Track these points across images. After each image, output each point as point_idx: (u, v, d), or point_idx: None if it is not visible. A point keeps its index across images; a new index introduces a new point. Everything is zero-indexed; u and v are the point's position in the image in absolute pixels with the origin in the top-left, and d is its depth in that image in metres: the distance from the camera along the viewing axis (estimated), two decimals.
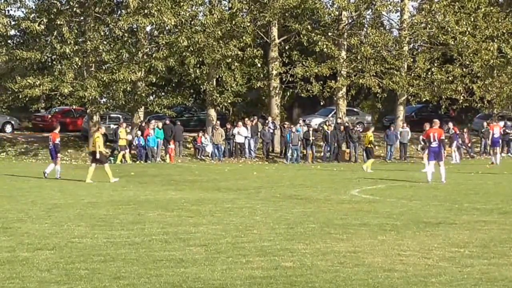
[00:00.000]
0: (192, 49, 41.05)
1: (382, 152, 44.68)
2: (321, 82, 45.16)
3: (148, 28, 42.44)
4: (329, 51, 44.16)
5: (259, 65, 45.87)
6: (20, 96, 39.85)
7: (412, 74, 46.02)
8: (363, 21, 47.91)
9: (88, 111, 42.57)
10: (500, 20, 46.00)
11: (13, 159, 40.30)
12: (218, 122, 43.16)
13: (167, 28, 41.44)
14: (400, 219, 15.31)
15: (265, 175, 30.46)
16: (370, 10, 46.67)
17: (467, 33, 44.99)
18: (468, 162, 40.95)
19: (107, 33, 42.23)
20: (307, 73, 44.10)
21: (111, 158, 37.87)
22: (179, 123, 43.56)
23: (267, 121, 43.96)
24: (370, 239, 12.51)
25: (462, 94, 46.41)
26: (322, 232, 13.29)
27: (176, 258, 10.64)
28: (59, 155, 28.39)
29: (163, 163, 39.51)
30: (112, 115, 46.72)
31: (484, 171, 32.45)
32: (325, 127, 43.76)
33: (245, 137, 42.55)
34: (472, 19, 45.25)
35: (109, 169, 26.31)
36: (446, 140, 31.93)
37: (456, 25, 44.64)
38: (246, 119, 44.50)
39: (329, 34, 45.46)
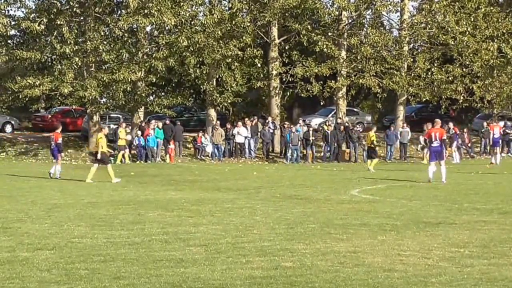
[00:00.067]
0: (192, 49, 41.05)
1: (382, 152, 44.66)
2: (321, 82, 45.16)
3: (148, 28, 42.44)
4: (329, 51, 44.17)
5: (259, 65, 45.87)
6: (20, 96, 39.85)
7: (412, 74, 46.02)
8: (363, 21, 47.92)
9: (88, 111, 42.58)
10: (500, 20, 46.01)
11: (13, 159, 40.30)
12: (218, 122, 43.15)
13: (167, 28, 41.44)
14: (400, 219, 15.31)
15: (265, 175, 30.46)
16: (370, 10, 46.68)
17: (467, 33, 44.99)
18: (468, 162, 40.96)
19: (107, 33, 42.24)
20: (307, 73, 44.10)
21: (111, 158, 37.84)
22: (179, 123, 43.57)
23: (267, 121, 43.96)
24: (370, 239, 12.51)
25: (462, 94, 46.42)
26: (322, 232, 13.29)
27: (176, 258, 10.64)
28: (62, 154, 28.49)
29: (163, 163, 39.52)
30: (112, 115, 46.74)
31: (484, 171, 32.45)
32: (325, 127, 43.76)
33: (245, 137, 42.55)
34: (472, 19, 45.25)
35: (112, 169, 26.31)
36: (447, 140, 31.91)
37: (456, 25, 44.65)
38: (246, 119, 44.50)
39: (329, 34, 45.46)
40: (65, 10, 40.73)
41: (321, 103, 47.74)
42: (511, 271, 9.87)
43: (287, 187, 24.09)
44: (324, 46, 43.72)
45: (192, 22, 42.09)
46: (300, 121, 44.95)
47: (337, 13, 45.70)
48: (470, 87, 46.43)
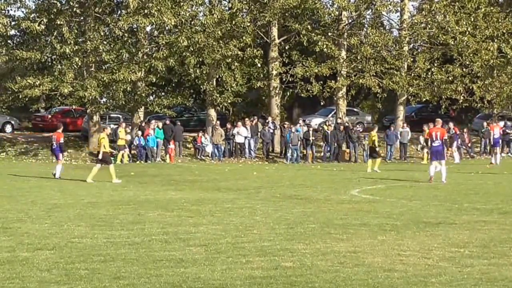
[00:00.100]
0: (192, 49, 41.04)
1: (382, 152, 44.63)
2: (321, 82, 45.15)
3: (148, 28, 42.43)
4: (329, 51, 44.16)
5: (259, 65, 45.84)
6: (20, 96, 39.85)
7: (412, 74, 46.01)
8: (363, 21, 47.91)
9: (88, 111, 42.59)
10: (500, 20, 46.01)
11: (13, 159, 40.29)
12: (218, 122, 43.15)
13: (167, 28, 41.43)
14: (400, 219, 15.31)
15: (265, 175, 30.46)
16: (370, 10, 46.67)
17: (467, 33, 44.99)
18: (468, 162, 40.96)
19: (107, 33, 42.23)
20: (307, 73, 44.09)
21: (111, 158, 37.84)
22: (179, 123, 43.57)
23: (267, 121, 43.95)
24: (370, 239, 12.51)
25: (462, 94, 46.41)
26: (322, 232, 13.29)
27: (176, 258, 10.64)
28: (65, 154, 28.53)
29: (163, 163, 39.51)
30: (112, 115, 46.73)
31: (484, 171, 32.45)
32: (325, 127, 43.75)
33: (245, 137, 42.54)
34: (472, 19, 45.25)
35: (114, 170, 26.30)
36: (447, 140, 31.91)
37: (456, 25, 44.64)
38: (246, 119, 44.49)
39: (329, 34, 45.45)
40: (65, 10, 40.73)
41: (321, 103, 47.73)
42: (511, 271, 9.87)
43: (287, 187, 24.09)
44: (324, 46, 43.71)
45: (192, 22, 42.08)
46: (300, 121, 44.93)
47: (337, 13, 45.70)
48: (470, 87, 46.42)
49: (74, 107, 45.27)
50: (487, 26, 45.46)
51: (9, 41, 42.20)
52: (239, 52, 42.13)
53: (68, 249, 11.46)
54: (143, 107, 43.75)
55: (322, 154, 43.33)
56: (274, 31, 45.25)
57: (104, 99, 44.46)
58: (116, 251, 11.26)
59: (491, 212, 16.64)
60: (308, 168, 37.29)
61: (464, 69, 45.88)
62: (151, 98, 46.12)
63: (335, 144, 42.56)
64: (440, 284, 9.13)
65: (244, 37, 42.34)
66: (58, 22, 39.84)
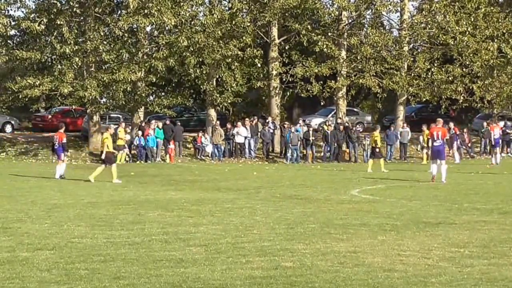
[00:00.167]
0: (192, 49, 41.04)
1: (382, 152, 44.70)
2: (321, 82, 45.15)
3: (148, 28, 42.43)
4: (329, 51, 44.16)
5: (259, 65, 45.83)
6: (20, 96, 39.85)
7: (412, 74, 46.02)
8: (363, 21, 47.94)
9: (88, 111, 42.60)
10: (500, 20, 46.02)
11: (13, 159, 40.28)
12: (218, 122, 43.15)
13: (167, 28, 41.44)
14: (400, 219, 15.31)
15: (265, 175, 30.46)
16: (370, 10, 46.68)
17: (467, 33, 44.99)
18: (468, 162, 40.95)
19: (107, 33, 42.24)
20: (307, 73, 44.10)
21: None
22: (179, 123, 43.58)
23: (267, 121, 43.95)
24: (370, 239, 12.51)
25: (462, 94, 46.41)
26: (322, 232, 13.29)
27: (176, 258, 10.64)
28: (67, 153, 28.60)
29: (163, 163, 39.51)
30: (112, 115, 46.72)
31: (484, 171, 32.45)
32: (325, 127, 43.75)
33: (245, 137, 42.54)
34: (472, 19, 45.25)
35: (116, 170, 26.29)
36: (449, 139, 31.95)
37: (456, 25, 44.65)
38: (246, 119, 44.49)
39: (329, 34, 45.45)
40: (65, 10, 40.73)
41: (321, 103, 47.73)
42: (511, 271, 9.87)
43: (287, 187, 24.09)
44: (324, 46, 43.71)
45: (192, 22, 42.08)
46: (300, 121, 44.94)
47: (337, 13, 45.70)
48: (470, 87, 46.42)
49: (74, 107, 45.26)
50: (487, 26, 45.47)
51: (9, 41, 42.19)
52: (239, 52, 42.13)
53: (68, 249, 11.46)
54: (143, 107, 43.75)
55: (322, 154, 43.32)
56: (274, 31, 45.24)
57: (104, 99, 44.46)
58: (116, 251, 11.25)
59: (491, 212, 16.64)
60: (308, 168, 37.29)
61: (464, 69, 45.88)
62: (151, 98, 46.13)
63: (335, 144, 42.56)
64: (440, 284, 9.13)
65: (244, 37, 42.34)
66: (58, 22, 39.85)
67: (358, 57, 45.15)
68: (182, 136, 42.78)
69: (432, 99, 46.98)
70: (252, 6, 43.73)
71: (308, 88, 44.60)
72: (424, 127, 39.65)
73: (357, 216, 15.66)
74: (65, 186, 24.22)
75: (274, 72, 45.17)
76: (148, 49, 42.77)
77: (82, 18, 41.59)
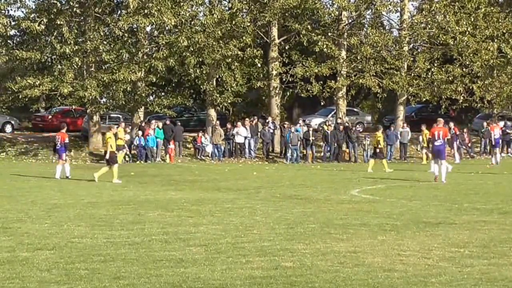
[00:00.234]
0: (192, 49, 41.04)
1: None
2: (321, 82, 45.14)
3: (148, 28, 42.44)
4: (329, 51, 44.15)
5: (259, 65, 45.83)
6: (20, 96, 39.86)
7: (412, 74, 46.01)
8: (363, 21, 47.93)
9: (88, 111, 42.61)
10: (500, 20, 46.01)
11: (13, 159, 40.29)
12: (218, 122, 43.14)
13: (167, 28, 41.44)
14: (400, 219, 15.31)
15: (265, 175, 30.46)
16: (370, 10, 46.68)
17: (467, 33, 44.98)
18: (468, 162, 40.95)
19: (107, 33, 42.24)
20: (307, 73, 44.09)
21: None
22: (179, 123, 43.58)
23: (267, 121, 43.94)
24: (370, 239, 12.51)
25: (462, 94, 46.41)
26: (322, 232, 13.29)
27: (176, 258, 10.64)
28: (68, 153, 28.68)
29: (163, 163, 39.51)
30: (112, 115, 46.72)
31: (484, 171, 32.45)
32: (325, 127, 43.74)
33: (245, 137, 42.54)
34: (472, 19, 45.25)
35: (117, 170, 26.30)
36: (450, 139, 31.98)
37: (456, 25, 44.64)
38: (246, 119, 44.49)
39: (329, 34, 45.45)
40: (65, 10, 40.74)
41: (321, 103, 47.72)
42: (511, 271, 9.87)
43: (287, 187, 24.09)
44: (324, 46, 43.71)
45: (192, 22, 42.08)
46: (300, 121, 44.94)
47: (337, 13, 45.70)
48: (470, 87, 46.41)
49: (74, 107, 45.27)
50: (487, 26, 45.46)
51: (9, 41, 42.20)
52: (239, 52, 42.13)
53: (68, 249, 11.46)
54: (143, 107, 43.75)
55: (322, 154, 43.32)
56: (274, 31, 45.24)
57: (104, 99, 44.46)
58: (116, 251, 11.26)
59: (491, 212, 16.64)
60: (308, 168, 37.29)
61: (464, 69, 45.87)
62: (151, 98, 46.13)
63: (335, 144, 42.56)
64: (440, 284, 9.13)
65: (244, 37, 42.33)
66: (58, 22, 39.85)
67: (358, 57, 45.15)
68: (182, 136, 42.78)
69: (432, 99, 46.97)
70: (252, 6, 43.73)
71: (308, 88, 44.59)
72: (424, 127, 39.66)
73: (357, 216, 15.66)
74: (65, 186, 24.22)
75: (274, 72, 45.17)
76: (148, 49, 42.77)
77: (82, 18, 41.60)
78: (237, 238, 12.53)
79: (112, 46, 41.28)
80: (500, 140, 41.70)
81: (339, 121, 45.29)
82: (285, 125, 43.66)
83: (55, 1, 40.54)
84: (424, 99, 47.16)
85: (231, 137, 42.43)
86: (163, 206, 17.76)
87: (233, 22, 42.16)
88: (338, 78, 45.36)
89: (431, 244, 11.94)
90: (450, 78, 45.80)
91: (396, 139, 43.87)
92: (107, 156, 26.50)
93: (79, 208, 17.22)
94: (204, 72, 43.65)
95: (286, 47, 45.50)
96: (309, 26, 44.34)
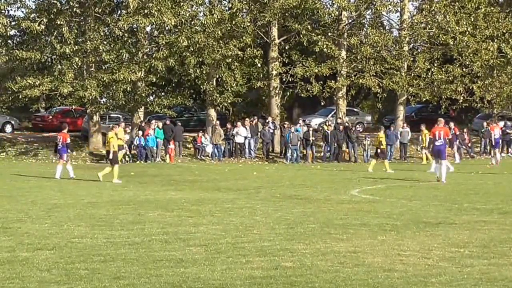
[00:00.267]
0: (192, 49, 41.03)
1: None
2: (321, 82, 45.14)
3: (148, 28, 42.43)
4: (329, 51, 44.14)
5: (259, 65, 45.81)
6: (20, 96, 39.85)
7: (412, 74, 46.00)
8: (363, 21, 47.91)
9: (88, 111, 42.61)
10: (500, 20, 46.00)
11: (13, 159, 40.29)
12: (218, 122, 43.15)
13: (167, 28, 41.43)
14: (400, 219, 15.31)
15: (265, 175, 30.45)
16: (370, 10, 46.67)
17: (467, 33, 44.97)
18: (468, 162, 40.94)
19: (107, 33, 42.24)
20: (307, 73, 44.08)
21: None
22: (179, 123, 43.57)
23: (267, 121, 43.94)
24: (370, 239, 12.51)
25: (462, 94, 46.40)
26: (322, 232, 13.29)
27: (176, 258, 10.64)
28: (69, 151, 28.73)
29: (163, 163, 39.50)
30: (112, 115, 46.72)
31: (484, 171, 32.45)
32: (325, 127, 43.74)
33: (245, 137, 42.54)
34: (472, 19, 45.24)
35: (117, 170, 26.30)
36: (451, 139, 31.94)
37: (456, 25, 44.63)
38: (246, 119, 44.48)
39: (329, 34, 45.44)
40: (65, 10, 40.73)
41: (321, 103, 47.72)
42: (511, 271, 9.87)
43: (287, 187, 24.09)
44: (324, 46, 43.70)
45: (192, 22, 42.07)
46: (300, 121, 44.94)
47: (337, 13, 45.69)
48: (470, 87, 46.41)
49: (74, 107, 45.28)
50: (487, 26, 45.45)
51: (9, 41, 42.20)
52: (239, 52, 42.12)
53: (68, 249, 11.46)
54: (143, 107, 43.75)
55: (322, 154, 43.32)
56: (274, 31, 45.23)
57: (104, 99, 44.45)
58: (116, 251, 11.26)
59: (491, 212, 16.64)
60: (308, 168, 37.29)
61: (464, 69, 45.86)
62: (151, 98, 46.12)
63: (335, 144, 42.55)
64: (440, 284, 9.13)
65: (244, 37, 42.32)
66: (58, 22, 39.85)
67: (358, 57, 45.14)
68: (182, 136, 42.78)
69: (432, 99, 46.97)
70: (252, 6, 43.72)
71: (308, 88, 44.58)
72: (423, 127, 39.68)
73: (357, 216, 15.66)
74: (65, 186, 24.22)
75: (274, 72, 45.16)
76: (148, 49, 42.77)
77: (82, 18, 41.60)
78: (237, 238, 12.54)
79: (112, 46, 41.28)
80: (500, 140, 41.71)
81: (339, 121, 45.28)
82: (285, 125, 43.65)
83: (55, 1, 40.54)
84: (424, 99, 47.16)
85: (231, 137, 42.43)
86: (163, 206, 17.76)
87: (233, 22, 42.15)
88: (338, 78, 45.36)
89: (431, 244, 11.94)
90: (450, 78, 45.79)
91: (396, 139, 43.86)
92: (111, 156, 26.50)
93: (79, 208, 17.22)
94: (204, 72, 43.65)
95: (286, 47, 45.49)
96: (309, 26, 44.32)
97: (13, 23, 40.65)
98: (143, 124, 42.03)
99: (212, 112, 44.97)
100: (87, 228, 13.74)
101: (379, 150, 33.50)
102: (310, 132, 42.58)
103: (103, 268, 9.95)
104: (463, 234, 13.13)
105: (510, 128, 45.56)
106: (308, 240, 12.36)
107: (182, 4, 40.82)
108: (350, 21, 46.46)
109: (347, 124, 44.41)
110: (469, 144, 45.30)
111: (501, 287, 9.06)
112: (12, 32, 41.69)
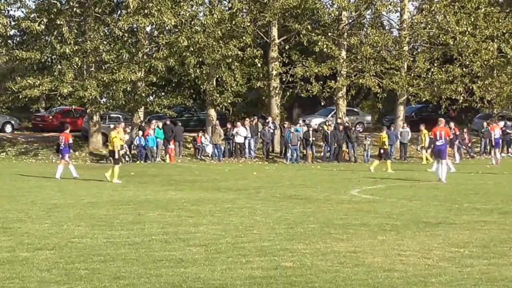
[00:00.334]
0: (192, 49, 41.03)
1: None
2: (321, 82, 45.14)
3: (148, 28, 42.43)
4: (329, 51, 44.14)
5: (259, 65, 45.81)
6: (20, 96, 39.85)
7: (412, 74, 46.00)
8: (363, 21, 47.91)
9: (88, 111, 42.61)
10: (500, 20, 46.00)
11: (13, 159, 40.29)
12: (218, 122, 43.15)
13: (167, 28, 41.43)
14: (400, 219, 15.31)
15: (265, 175, 30.46)
16: (370, 10, 46.67)
17: (467, 33, 44.97)
18: (468, 162, 40.95)
19: (107, 33, 42.24)
20: (307, 73, 44.07)
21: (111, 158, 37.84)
22: (180, 123, 43.57)
23: (267, 121, 43.94)
24: (370, 239, 12.51)
25: (462, 94, 46.40)
26: (322, 232, 13.29)
27: (176, 258, 10.64)
28: (71, 151, 28.77)
29: (163, 163, 39.50)
30: (112, 115, 46.72)
31: (484, 171, 32.45)
32: (325, 127, 43.75)
33: (245, 137, 42.54)
34: (472, 19, 45.24)
35: (118, 170, 26.30)
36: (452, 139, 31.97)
37: (456, 25, 44.62)
38: (246, 119, 44.48)
39: (329, 34, 45.44)
40: (65, 10, 40.73)
41: (321, 103, 47.72)
42: (511, 271, 9.87)
43: (287, 187, 24.09)
44: (324, 46, 43.70)
45: (192, 22, 42.07)
46: (300, 121, 44.94)
47: (337, 13, 45.69)
48: (470, 87, 46.41)
49: (74, 107, 45.28)
50: (487, 26, 45.45)
51: (9, 41, 42.21)
52: (239, 52, 42.12)
53: (68, 249, 11.46)
54: (143, 107, 43.76)
55: (322, 154, 43.32)
56: (274, 31, 45.23)
57: (104, 99, 44.45)
58: (116, 251, 11.26)
59: (491, 212, 16.64)
60: (308, 168, 37.29)
61: (464, 69, 45.86)
62: (151, 98, 46.12)
63: (335, 144, 42.56)
64: (440, 284, 9.13)
65: (244, 37, 42.32)
66: (58, 22, 39.86)
67: (358, 57, 45.14)
68: (182, 136, 42.79)
69: (432, 99, 46.97)
70: (252, 6, 43.72)
71: (308, 88, 44.58)
72: (422, 127, 39.67)
73: (357, 216, 15.66)
74: (65, 186, 24.22)
75: (274, 72, 45.16)
76: (148, 49, 42.77)
77: (82, 18, 41.59)
78: (237, 238, 12.53)
79: (112, 46, 41.28)
80: (500, 140, 41.70)
81: (339, 121, 45.28)
82: (285, 125, 43.65)
83: (55, 1, 40.54)
84: (424, 99, 47.16)
85: (231, 137, 42.43)
86: (163, 206, 17.76)
87: (233, 22, 42.15)
88: (338, 78, 45.36)
89: (431, 244, 11.94)
90: (450, 78, 45.79)
91: (396, 139, 43.86)
92: (116, 156, 26.50)
93: (79, 208, 17.22)
94: (204, 72, 43.65)
95: (286, 47, 45.48)
96: (309, 26, 44.32)
97: (13, 23, 40.65)
98: (143, 124, 42.04)
99: (212, 112, 44.97)
100: (87, 228, 13.74)
101: (382, 151, 33.46)
102: (310, 132, 42.58)
103: (103, 268, 9.95)
104: (463, 234, 13.13)
105: (510, 128, 45.57)
106: (308, 240, 12.36)
107: (182, 4, 40.82)
108: (350, 21, 46.46)
109: (347, 124, 44.41)
110: (469, 144, 45.31)
111: (501, 287, 9.06)
112: (12, 32, 41.69)
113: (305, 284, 9.09)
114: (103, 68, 41.91)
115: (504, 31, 46.09)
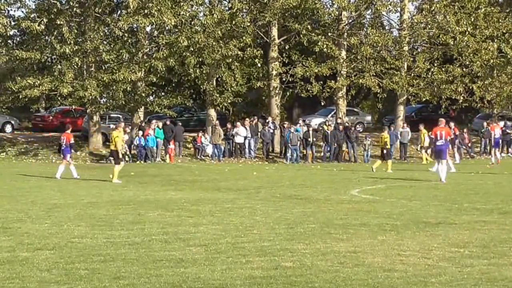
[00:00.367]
0: (192, 49, 41.04)
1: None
2: (321, 82, 45.14)
3: (148, 28, 42.44)
4: (329, 51, 44.15)
5: (259, 65, 45.83)
6: (20, 96, 39.86)
7: (412, 74, 46.01)
8: (363, 21, 47.93)
9: (88, 111, 42.62)
10: (500, 20, 46.01)
11: (13, 159, 40.29)
12: (218, 122, 43.15)
13: (167, 28, 41.44)
14: (400, 219, 15.31)
15: (265, 175, 30.46)
16: (370, 10, 46.68)
17: (467, 33, 44.98)
18: (468, 162, 40.95)
19: (107, 33, 42.25)
20: (307, 73, 44.08)
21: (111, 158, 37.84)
22: (180, 123, 43.57)
23: (267, 121, 43.94)
24: (370, 239, 12.51)
25: (462, 94, 46.41)
26: (322, 232, 13.29)
27: (176, 258, 10.64)
28: (72, 151, 28.80)
29: (163, 163, 39.50)
30: (112, 115, 46.72)
31: (484, 171, 32.45)
32: (325, 127, 43.75)
33: (245, 137, 42.54)
34: (472, 19, 45.25)
35: (118, 170, 26.30)
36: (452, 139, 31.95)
37: (456, 25, 44.63)
38: (246, 119, 44.48)
39: (329, 34, 45.45)
40: (65, 10, 40.74)
41: (321, 103, 47.72)
42: (511, 271, 9.87)
43: (287, 187, 24.09)
44: (324, 46, 43.70)
45: (192, 22, 42.07)
46: (300, 121, 44.94)
47: (337, 13, 45.70)
48: (470, 87, 46.42)
49: (74, 107, 45.29)
50: (487, 26, 45.46)
51: (9, 41, 42.23)
52: (239, 52, 42.12)
53: (68, 249, 11.46)
54: (143, 107, 43.76)
55: (322, 154, 43.32)
56: (274, 31, 45.23)
57: (104, 99, 44.46)
58: (116, 251, 11.26)
59: (491, 212, 16.64)
60: (308, 168, 37.29)
61: (464, 69, 45.87)
62: (151, 98, 46.12)
63: (335, 144, 42.56)
64: (440, 284, 9.13)
65: (244, 37, 42.33)
66: (58, 22, 39.87)
67: (358, 57, 45.15)
68: (183, 136, 42.79)
69: (432, 99, 46.97)
70: (252, 6, 43.72)
71: (308, 88, 44.58)
72: (421, 127, 39.66)
73: (357, 216, 15.66)
74: (65, 186, 24.22)
75: (274, 72, 45.16)
76: (148, 49, 42.78)
77: (82, 18, 41.60)
78: (237, 238, 12.53)
79: (112, 46, 41.29)
80: (500, 140, 41.71)
81: (339, 121, 45.28)
82: (285, 125, 43.65)
83: (55, 1, 40.55)
84: (424, 99, 47.16)
85: (231, 137, 42.43)
86: (163, 206, 17.76)
87: (233, 22, 42.15)
88: (338, 78, 45.36)
89: (431, 244, 11.94)
90: (450, 78, 45.79)
91: (396, 139, 43.85)
92: (120, 155, 26.51)
93: (79, 208, 17.21)
94: (204, 72, 43.65)
95: (286, 47, 45.49)
96: (309, 26, 44.33)
97: (13, 23, 40.67)
98: (143, 124, 42.04)
99: (212, 112, 44.97)
100: (87, 228, 13.73)
101: (384, 151, 33.42)
102: (310, 132, 42.58)
103: (103, 268, 9.95)
104: (463, 234, 13.13)
105: (510, 128, 45.57)
106: (308, 240, 12.36)
107: (182, 4, 40.82)
108: (350, 21, 46.47)
109: (347, 124, 44.41)
110: (469, 144, 45.31)
111: (501, 287, 9.06)
112: (12, 32, 41.71)
113: (305, 284, 9.09)
114: (103, 68, 41.92)
115: (504, 31, 46.11)
